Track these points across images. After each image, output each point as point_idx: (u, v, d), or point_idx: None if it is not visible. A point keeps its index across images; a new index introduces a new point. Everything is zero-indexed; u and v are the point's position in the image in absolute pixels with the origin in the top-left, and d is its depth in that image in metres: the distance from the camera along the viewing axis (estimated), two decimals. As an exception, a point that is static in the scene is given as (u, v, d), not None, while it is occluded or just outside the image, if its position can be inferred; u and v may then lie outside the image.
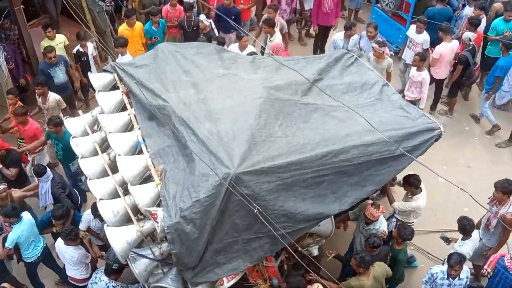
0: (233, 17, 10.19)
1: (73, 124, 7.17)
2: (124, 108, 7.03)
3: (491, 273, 6.64)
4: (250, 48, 9.65)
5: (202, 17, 10.17)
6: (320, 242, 7.14)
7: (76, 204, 8.13)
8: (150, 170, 6.18)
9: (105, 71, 7.50)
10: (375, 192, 7.50)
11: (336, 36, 9.94)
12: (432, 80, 9.98)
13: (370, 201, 7.06)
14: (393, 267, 6.88)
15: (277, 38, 9.81)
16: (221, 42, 9.42)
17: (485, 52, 10.52)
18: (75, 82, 10.22)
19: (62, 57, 9.91)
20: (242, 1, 10.90)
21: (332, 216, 6.76)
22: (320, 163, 6.15)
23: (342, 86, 7.28)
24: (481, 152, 9.87)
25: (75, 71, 10.29)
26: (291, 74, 7.32)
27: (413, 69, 9.24)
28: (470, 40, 9.63)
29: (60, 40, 10.22)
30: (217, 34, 10.47)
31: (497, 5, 10.56)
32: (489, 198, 7.13)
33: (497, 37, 9.66)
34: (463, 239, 6.95)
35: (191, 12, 10.39)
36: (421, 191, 7.32)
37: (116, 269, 6.56)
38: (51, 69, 9.65)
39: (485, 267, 6.70)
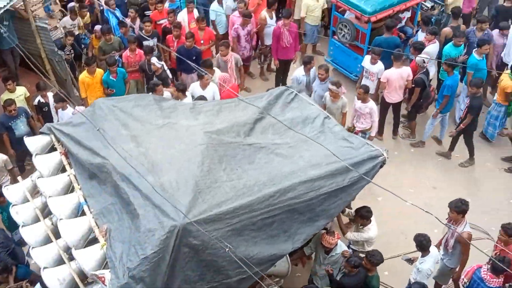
0: (194, 58, 10.27)
1: (12, 192, 6.91)
2: (63, 170, 6.83)
3: (468, 283, 6.69)
4: (212, 86, 9.63)
5: (154, 59, 10.13)
6: (279, 282, 7.01)
7: (22, 262, 7.83)
8: (94, 232, 5.98)
9: (41, 133, 7.30)
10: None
11: (297, 72, 10.07)
12: (388, 104, 10.18)
13: (323, 231, 7.00)
14: None
15: (216, 77, 9.87)
16: (181, 89, 9.34)
17: (439, 76, 10.83)
18: (37, 133, 9.91)
19: (23, 108, 9.69)
20: (202, 42, 10.96)
21: (288, 254, 6.65)
22: (268, 204, 6.08)
23: (284, 123, 7.30)
24: (445, 173, 10.01)
25: (36, 122, 10.08)
26: (233, 116, 7.31)
27: (358, 102, 9.35)
28: (424, 62, 9.90)
29: (20, 92, 10.04)
30: (170, 76, 10.43)
31: (446, 30, 10.90)
32: (446, 219, 7.19)
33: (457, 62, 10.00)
34: (422, 256, 7.02)
35: (151, 55, 10.36)
36: (371, 222, 7.36)
37: None
38: (11, 122, 9.42)
39: (462, 277, 6.76)
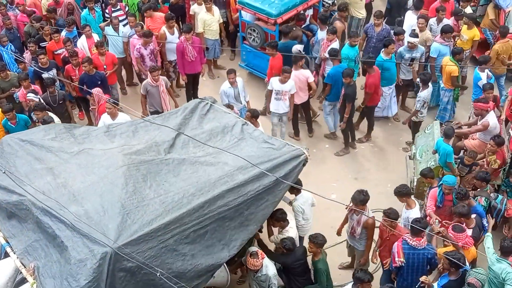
0: (99, 82, 9.99)
1: None
2: (-23, 213, 6.44)
3: (403, 261, 6.81)
4: (123, 115, 9.24)
5: (30, 95, 9.62)
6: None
7: None
8: (21, 272, 5.69)
9: None
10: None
11: (223, 86, 9.92)
12: (296, 106, 10.31)
13: (247, 253, 6.92)
14: (318, 278, 7.12)
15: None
16: None
17: None
18: None
19: None
20: (105, 67, 10.68)
21: (225, 264, 6.65)
22: (199, 215, 6.07)
23: (204, 135, 7.32)
24: (364, 163, 10.35)
25: None
26: (149, 136, 7.22)
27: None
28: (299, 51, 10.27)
29: None
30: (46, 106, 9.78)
31: (338, 23, 11.30)
32: (346, 208, 7.44)
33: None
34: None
35: (53, 87, 9.90)
36: (288, 223, 7.51)
37: None
38: None
39: (396, 259, 6.84)
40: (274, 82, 9.84)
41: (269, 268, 6.92)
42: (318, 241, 7.01)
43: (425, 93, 9.53)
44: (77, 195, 6.02)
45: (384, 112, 10.80)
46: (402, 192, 7.45)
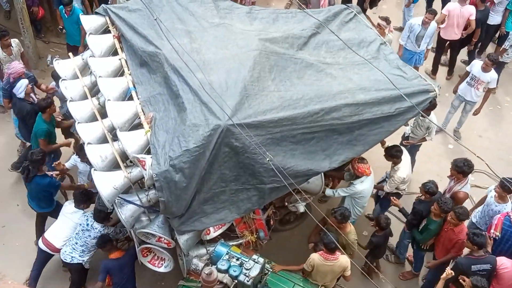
0: None
1: (63, 67, 7.02)
2: (115, 53, 6.87)
3: (499, 235, 6.61)
4: None
5: None
6: (309, 199, 7.14)
7: None
8: (139, 118, 6.10)
9: (96, 13, 7.28)
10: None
11: (415, 20, 9.48)
12: (444, 41, 9.70)
13: (355, 159, 6.98)
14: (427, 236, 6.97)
15: None
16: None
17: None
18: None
19: None
20: None
21: (322, 174, 6.75)
22: (311, 120, 6.10)
23: (339, 42, 7.15)
24: (493, 123, 9.78)
25: None
26: (288, 27, 7.17)
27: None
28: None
29: None
30: None
31: None
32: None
33: None
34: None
35: None
36: (401, 161, 7.33)
37: (107, 215, 6.55)
38: None
39: (492, 230, 6.65)
40: (476, 66, 8.91)
41: (367, 184, 6.97)
42: (446, 208, 6.63)
43: None
44: (206, 64, 6.21)
45: None
46: None
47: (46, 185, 6.94)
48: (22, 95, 7.66)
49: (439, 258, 6.96)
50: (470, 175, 7.12)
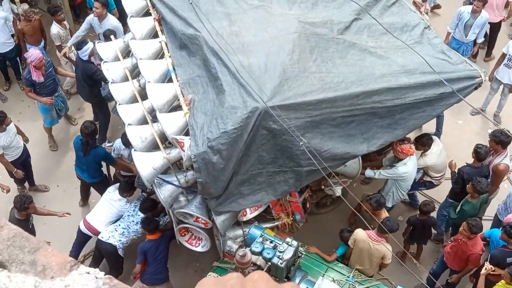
0: None
1: (105, 49, 7.13)
2: (155, 35, 6.93)
3: None
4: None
5: None
6: (346, 183, 7.06)
7: None
8: (178, 99, 6.15)
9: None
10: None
11: (464, 8, 9.14)
12: None
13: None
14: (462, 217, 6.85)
15: None
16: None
17: None
18: None
19: None
20: None
21: (360, 158, 6.67)
22: (352, 103, 6.02)
23: (381, 27, 7.00)
24: None
25: None
26: (328, 13, 7.05)
27: None
28: None
29: None
30: None
31: None
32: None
33: None
34: None
35: None
36: (430, 149, 7.23)
37: (151, 205, 6.80)
38: None
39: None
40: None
41: (409, 167, 6.89)
42: (481, 188, 6.57)
43: None
44: (246, 47, 6.18)
45: None
46: None
47: (103, 155, 7.49)
48: (86, 58, 8.14)
49: (453, 267, 6.82)
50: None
